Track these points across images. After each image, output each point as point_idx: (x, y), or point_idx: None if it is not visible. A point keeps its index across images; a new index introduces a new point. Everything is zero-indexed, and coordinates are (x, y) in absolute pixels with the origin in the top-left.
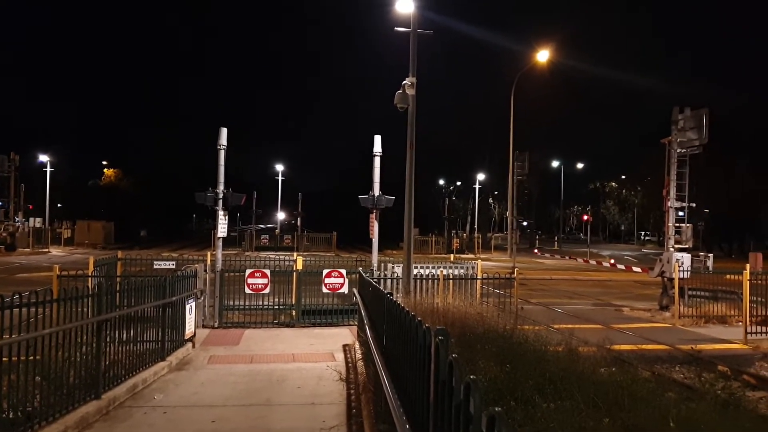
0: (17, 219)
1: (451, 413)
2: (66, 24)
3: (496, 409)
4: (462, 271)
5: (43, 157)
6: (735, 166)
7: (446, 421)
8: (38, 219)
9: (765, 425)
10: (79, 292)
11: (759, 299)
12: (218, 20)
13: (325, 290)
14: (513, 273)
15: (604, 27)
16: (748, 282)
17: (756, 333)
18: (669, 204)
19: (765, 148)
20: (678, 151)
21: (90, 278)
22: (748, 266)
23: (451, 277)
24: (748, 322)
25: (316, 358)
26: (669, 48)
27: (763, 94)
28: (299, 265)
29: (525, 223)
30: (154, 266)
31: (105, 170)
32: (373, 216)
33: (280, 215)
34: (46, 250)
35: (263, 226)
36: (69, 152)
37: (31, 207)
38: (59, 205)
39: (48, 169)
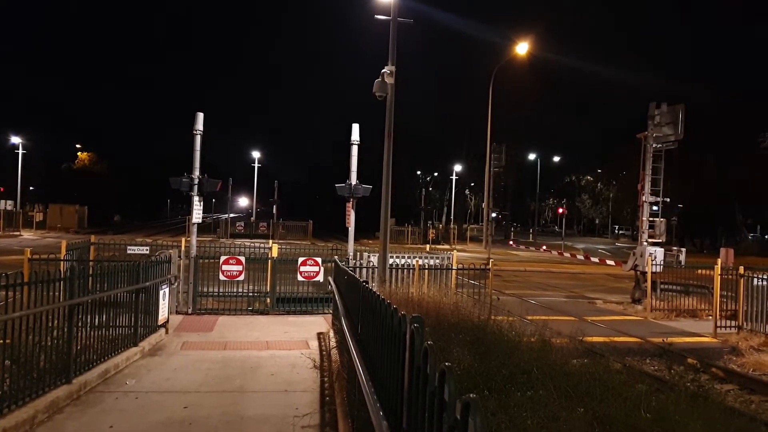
0: None
1: (425, 400)
2: (44, 8)
3: (471, 396)
4: (437, 261)
5: (15, 139)
6: (705, 162)
7: (420, 409)
8: (9, 202)
9: (733, 416)
10: (50, 275)
11: (729, 294)
12: (195, 10)
13: (300, 278)
14: (488, 264)
15: (583, 20)
16: (719, 277)
17: (725, 327)
18: (644, 198)
19: (733, 144)
20: (654, 146)
21: (62, 262)
22: (719, 261)
23: (426, 267)
24: (718, 317)
25: (291, 345)
26: (645, 43)
27: (733, 88)
28: (274, 253)
29: (501, 215)
30: (128, 251)
31: (79, 153)
32: (349, 205)
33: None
34: (18, 233)
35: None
36: (42, 134)
37: (2, 189)
38: (31, 188)
39: (20, 151)
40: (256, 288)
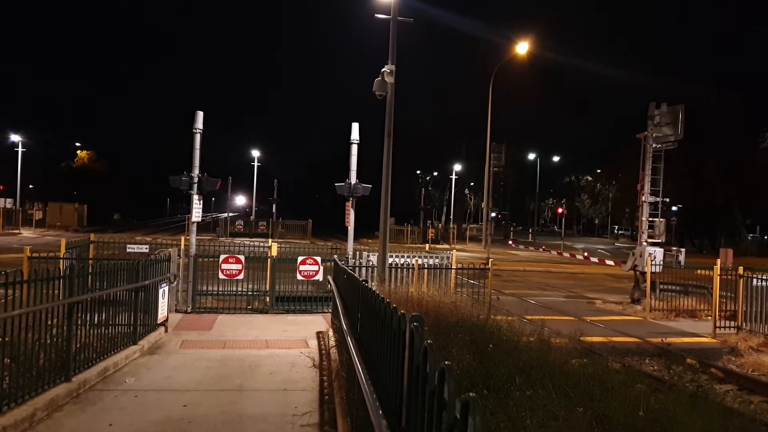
0: None
1: (424, 399)
2: (45, 8)
3: (470, 395)
4: (437, 260)
5: (15, 137)
6: (705, 162)
7: (420, 408)
8: (9, 200)
9: (732, 416)
10: (50, 273)
11: (728, 294)
12: (195, 10)
13: (299, 277)
14: (487, 264)
15: (583, 20)
16: (718, 277)
17: (724, 327)
18: (643, 198)
19: (733, 144)
20: (653, 146)
21: (62, 260)
22: (718, 262)
23: (426, 266)
24: (717, 317)
25: (290, 344)
26: (645, 43)
27: (733, 88)
28: (274, 252)
29: (500, 215)
30: (127, 250)
31: (78, 152)
32: (349, 204)
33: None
34: (17, 231)
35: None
36: (42, 133)
37: (2, 188)
38: (31, 186)
39: (20, 150)
40: (255, 287)
